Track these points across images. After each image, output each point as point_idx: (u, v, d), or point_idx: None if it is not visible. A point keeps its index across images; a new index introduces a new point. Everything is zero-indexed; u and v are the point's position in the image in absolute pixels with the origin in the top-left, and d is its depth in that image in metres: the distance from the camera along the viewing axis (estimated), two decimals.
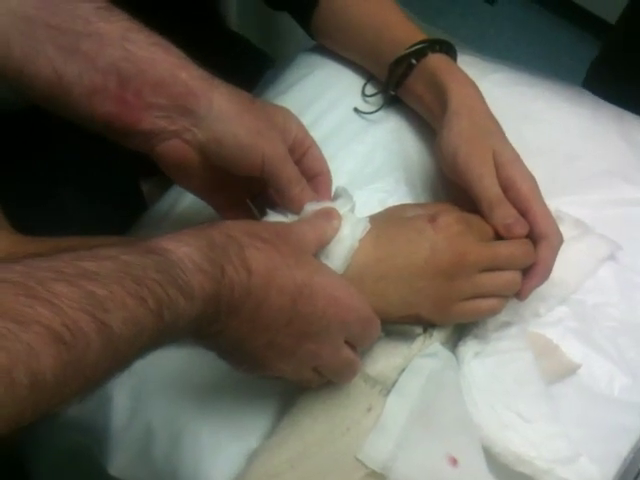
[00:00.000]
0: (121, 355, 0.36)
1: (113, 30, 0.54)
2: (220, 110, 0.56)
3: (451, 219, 0.59)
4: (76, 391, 0.33)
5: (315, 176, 0.61)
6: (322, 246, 0.54)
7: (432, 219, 0.58)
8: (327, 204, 0.58)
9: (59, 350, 0.31)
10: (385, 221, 0.60)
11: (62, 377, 0.32)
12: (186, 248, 0.41)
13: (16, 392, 0.30)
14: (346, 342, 0.52)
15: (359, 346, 0.54)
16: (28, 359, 0.30)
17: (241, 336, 0.46)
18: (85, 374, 0.33)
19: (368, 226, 0.57)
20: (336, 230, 0.55)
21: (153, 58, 0.55)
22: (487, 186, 0.61)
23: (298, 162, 0.60)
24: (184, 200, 0.75)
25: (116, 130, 0.56)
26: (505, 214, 0.60)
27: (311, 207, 0.57)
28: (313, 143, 0.61)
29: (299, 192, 0.57)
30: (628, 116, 0.81)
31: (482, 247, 0.59)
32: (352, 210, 0.59)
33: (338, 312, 0.49)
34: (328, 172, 0.62)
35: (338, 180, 0.63)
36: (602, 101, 0.82)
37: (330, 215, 0.56)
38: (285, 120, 0.60)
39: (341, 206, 0.58)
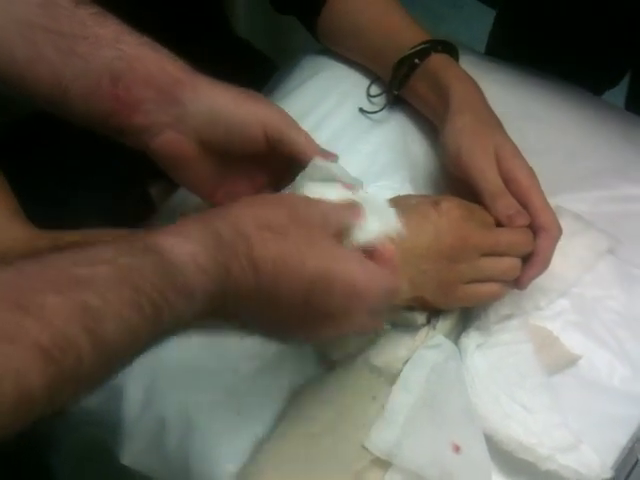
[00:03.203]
0: (116, 362, 0.35)
1: (107, 33, 0.57)
2: (206, 92, 0.58)
3: (453, 204, 0.61)
4: (69, 399, 0.33)
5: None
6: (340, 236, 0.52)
7: (435, 203, 0.60)
8: (332, 167, 0.56)
9: (47, 365, 0.31)
10: None
11: (53, 390, 0.31)
12: (190, 246, 0.40)
13: (2, 408, 0.29)
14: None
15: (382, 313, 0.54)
16: (14, 376, 0.30)
17: (256, 322, 0.47)
18: (79, 385, 0.33)
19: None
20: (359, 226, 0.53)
21: (143, 55, 0.57)
22: (489, 179, 0.63)
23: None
24: (194, 198, 0.76)
25: (112, 128, 0.58)
26: (507, 205, 0.61)
27: (318, 162, 0.56)
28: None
29: (308, 138, 0.58)
30: (628, 115, 0.83)
31: (484, 232, 0.60)
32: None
33: (357, 299, 0.48)
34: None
35: None
36: (602, 100, 0.83)
37: (358, 214, 0.53)
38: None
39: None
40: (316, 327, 0.49)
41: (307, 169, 0.56)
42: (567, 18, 0.94)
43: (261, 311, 0.46)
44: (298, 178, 0.56)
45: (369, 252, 0.52)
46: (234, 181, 0.63)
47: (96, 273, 0.35)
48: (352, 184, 0.56)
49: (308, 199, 0.52)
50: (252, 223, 0.45)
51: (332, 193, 0.54)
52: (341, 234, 0.51)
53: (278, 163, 0.62)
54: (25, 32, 0.55)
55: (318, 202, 0.51)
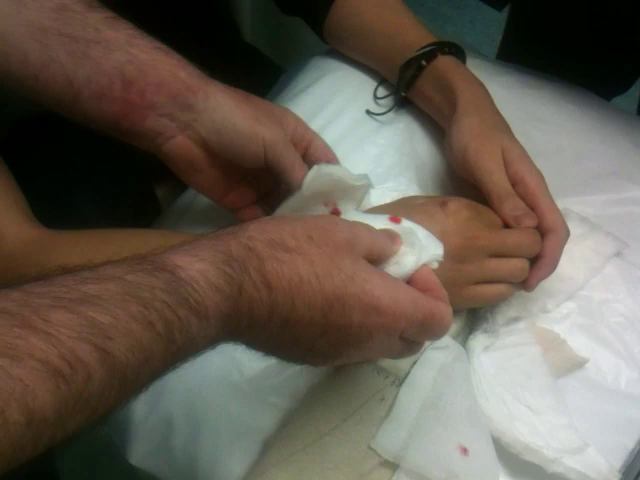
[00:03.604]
0: (130, 383, 0.33)
1: (119, 37, 0.57)
2: (217, 101, 0.58)
3: (461, 205, 0.61)
4: (83, 422, 0.31)
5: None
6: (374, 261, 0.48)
7: (442, 204, 0.61)
8: (333, 169, 0.57)
9: (57, 384, 0.29)
10: (397, 208, 0.62)
11: (64, 411, 0.30)
12: (200, 264, 0.38)
13: (11, 431, 0.28)
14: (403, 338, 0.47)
15: (421, 342, 0.50)
16: (22, 397, 0.28)
17: (273, 346, 0.45)
18: (90, 406, 0.31)
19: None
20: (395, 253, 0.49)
21: (155, 60, 0.58)
22: (496, 181, 0.63)
23: (304, 156, 0.62)
24: (201, 199, 0.76)
25: (123, 131, 0.59)
26: (514, 206, 0.61)
27: (324, 167, 0.56)
28: (315, 135, 0.63)
29: (299, 172, 0.59)
30: (635, 118, 0.83)
31: (491, 233, 0.61)
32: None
33: (381, 322, 0.44)
34: (335, 158, 0.64)
35: None
36: (609, 103, 0.83)
37: (394, 241, 0.49)
38: (283, 113, 0.62)
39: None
40: (338, 347, 0.46)
41: (310, 173, 0.57)
42: (570, 19, 0.95)
43: (278, 333, 0.43)
44: (303, 184, 0.57)
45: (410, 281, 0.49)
46: (243, 185, 0.63)
47: (104, 289, 0.33)
48: (399, 217, 0.52)
49: (338, 219, 0.49)
50: (263, 240, 0.42)
51: (376, 224, 0.50)
52: (375, 258, 0.47)
53: None
54: (38, 36, 0.55)
55: (350, 223, 0.47)
